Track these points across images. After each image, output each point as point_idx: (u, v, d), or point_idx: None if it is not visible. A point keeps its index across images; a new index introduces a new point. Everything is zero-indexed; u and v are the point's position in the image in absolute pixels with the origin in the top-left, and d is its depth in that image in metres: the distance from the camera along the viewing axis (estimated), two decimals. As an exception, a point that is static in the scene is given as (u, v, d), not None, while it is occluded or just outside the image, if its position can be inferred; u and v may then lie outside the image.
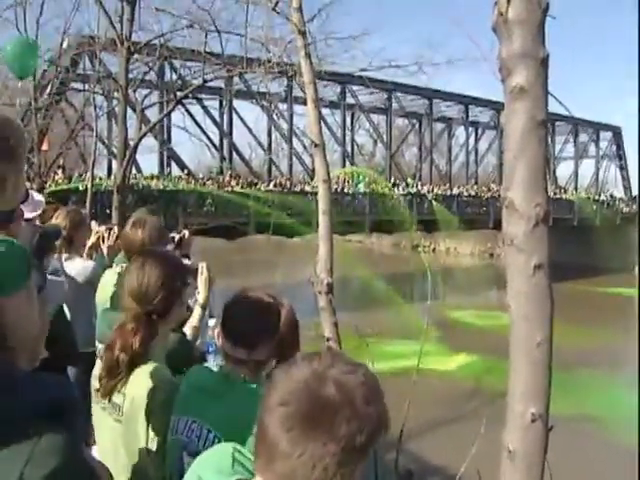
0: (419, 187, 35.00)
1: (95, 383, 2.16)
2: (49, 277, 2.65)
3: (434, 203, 32.83)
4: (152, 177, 26.55)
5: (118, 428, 2.10)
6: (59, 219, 4.13)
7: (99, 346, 2.77)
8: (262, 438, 1.08)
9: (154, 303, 2.14)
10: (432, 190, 34.95)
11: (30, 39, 10.09)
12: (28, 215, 4.39)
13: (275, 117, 32.48)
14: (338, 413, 1.04)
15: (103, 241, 4.42)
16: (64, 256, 4.07)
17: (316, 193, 3.61)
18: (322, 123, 3.76)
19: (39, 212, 4.46)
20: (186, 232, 4.51)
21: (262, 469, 1.10)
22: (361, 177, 32.60)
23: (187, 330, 2.87)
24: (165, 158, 29.57)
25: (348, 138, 37.40)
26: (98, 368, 2.17)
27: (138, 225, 3.37)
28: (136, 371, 2.08)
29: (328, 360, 1.10)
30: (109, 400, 2.11)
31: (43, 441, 1.05)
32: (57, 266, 3.54)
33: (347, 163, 35.44)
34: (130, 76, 13.40)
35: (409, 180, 35.98)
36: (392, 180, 34.65)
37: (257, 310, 1.94)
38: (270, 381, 1.12)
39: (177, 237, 4.42)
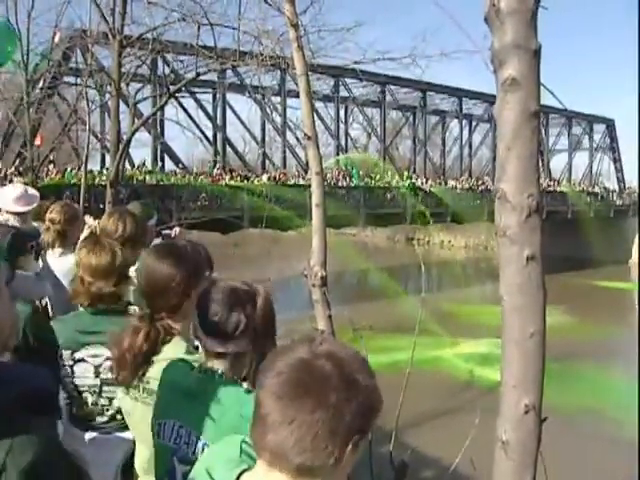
0: (414, 180, 35.05)
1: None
2: (19, 272, 2.74)
3: (434, 190, 32.99)
4: (143, 166, 26.55)
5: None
6: (53, 213, 4.07)
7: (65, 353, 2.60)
8: (257, 413, 1.10)
9: (162, 301, 2.08)
10: (426, 182, 35.04)
11: (8, 23, 9.36)
12: (22, 209, 4.38)
13: (268, 110, 32.41)
14: (328, 381, 1.06)
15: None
16: (58, 251, 3.96)
17: (310, 186, 3.59)
18: (315, 116, 3.74)
19: (34, 206, 4.47)
20: (177, 229, 4.47)
21: (257, 447, 1.12)
22: (354, 170, 32.60)
23: None
24: (159, 152, 29.49)
25: (342, 131, 37.34)
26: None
27: (113, 216, 3.34)
28: (157, 357, 2.04)
29: (320, 339, 1.14)
30: (141, 389, 2.07)
31: (25, 432, 1.05)
32: (42, 264, 3.49)
33: (341, 156, 35.38)
34: (123, 70, 13.28)
35: (407, 174, 35.96)
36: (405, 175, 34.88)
37: (231, 299, 1.81)
38: (265, 362, 1.14)
39: (172, 234, 4.41)
